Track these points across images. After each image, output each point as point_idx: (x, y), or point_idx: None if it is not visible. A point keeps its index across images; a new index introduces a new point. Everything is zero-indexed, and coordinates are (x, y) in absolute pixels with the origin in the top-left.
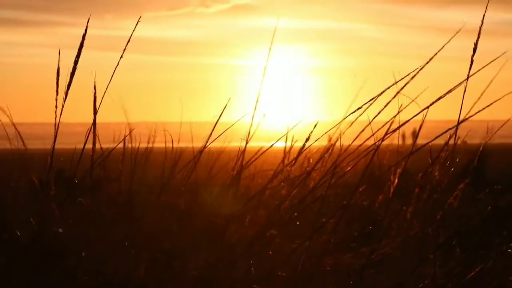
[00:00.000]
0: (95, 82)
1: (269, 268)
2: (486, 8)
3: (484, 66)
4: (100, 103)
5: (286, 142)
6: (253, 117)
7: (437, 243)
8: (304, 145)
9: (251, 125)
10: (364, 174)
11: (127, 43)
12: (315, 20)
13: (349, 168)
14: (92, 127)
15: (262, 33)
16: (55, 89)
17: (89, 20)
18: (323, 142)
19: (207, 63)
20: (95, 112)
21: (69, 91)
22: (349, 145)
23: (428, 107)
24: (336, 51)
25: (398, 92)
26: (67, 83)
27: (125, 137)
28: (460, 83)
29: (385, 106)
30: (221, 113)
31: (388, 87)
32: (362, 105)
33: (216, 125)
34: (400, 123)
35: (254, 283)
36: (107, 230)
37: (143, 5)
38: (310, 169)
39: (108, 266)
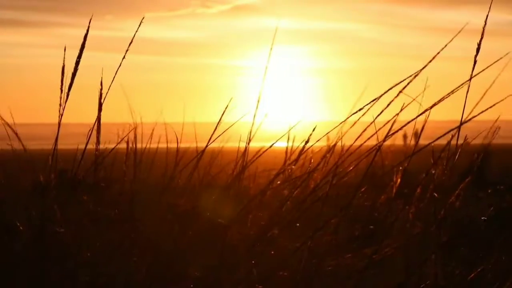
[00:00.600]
0: (101, 79)
1: (271, 269)
2: (490, 8)
3: (487, 67)
4: (103, 102)
5: (288, 142)
6: (254, 116)
7: (439, 243)
8: (304, 145)
9: (252, 125)
10: (366, 174)
11: (129, 44)
12: (316, 21)
13: (351, 168)
14: (97, 122)
15: (263, 34)
16: (60, 87)
17: (91, 21)
18: (325, 143)
19: (207, 64)
20: (100, 109)
21: (70, 92)
22: (351, 145)
23: (431, 107)
24: (337, 51)
25: (400, 92)
26: (69, 84)
27: (124, 137)
28: (463, 84)
29: (387, 106)
30: (223, 113)
31: (392, 87)
32: (364, 106)
33: (219, 125)
34: (403, 124)
35: (256, 283)
36: (108, 231)
37: (144, 6)
38: (311, 169)
39: (109, 267)
